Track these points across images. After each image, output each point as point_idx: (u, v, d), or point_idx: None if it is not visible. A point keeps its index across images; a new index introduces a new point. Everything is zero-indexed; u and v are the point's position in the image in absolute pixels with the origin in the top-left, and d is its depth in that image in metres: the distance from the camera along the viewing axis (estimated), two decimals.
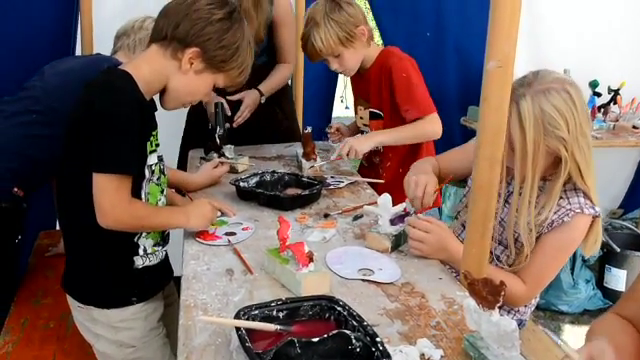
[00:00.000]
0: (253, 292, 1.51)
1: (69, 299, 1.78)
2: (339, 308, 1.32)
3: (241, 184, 2.16)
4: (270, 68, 2.85)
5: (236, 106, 2.69)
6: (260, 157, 2.69)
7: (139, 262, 1.72)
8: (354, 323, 1.26)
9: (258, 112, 2.76)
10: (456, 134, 3.69)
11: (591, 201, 1.67)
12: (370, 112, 2.62)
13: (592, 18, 3.68)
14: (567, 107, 1.60)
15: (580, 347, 1.15)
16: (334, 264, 1.65)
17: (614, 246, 3.50)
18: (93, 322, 1.75)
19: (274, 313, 1.30)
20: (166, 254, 1.85)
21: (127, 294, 1.73)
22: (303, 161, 2.47)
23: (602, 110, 3.81)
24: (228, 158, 2.47)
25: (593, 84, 3.67)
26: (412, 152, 2.57)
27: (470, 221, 1.54)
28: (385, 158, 2.63)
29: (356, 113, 2.76)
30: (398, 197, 1.84)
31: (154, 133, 1.69)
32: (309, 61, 2.62)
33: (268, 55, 2.82)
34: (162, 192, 1.77)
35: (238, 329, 1.21)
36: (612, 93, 3.77)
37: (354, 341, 1.18)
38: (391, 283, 1.57)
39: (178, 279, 1.68)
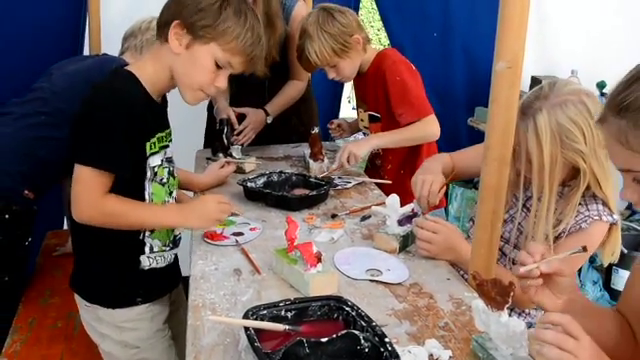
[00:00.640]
0: (261, 292, 1.51)
1: (77, 298, 1.78)
2: (347, 308, 1.32)
3: (249, 184, 2.16)
4: (275, 85, 2.79)
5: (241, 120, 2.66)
6: (267, 157, 2.69)
7: (145, 263, 1.71)
8: (363, 323, 1.26)
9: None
10: (463, 135, 3.68)
11: (609, 209, 1.66)
12: (369, 115, 2.62)
13: (599, 18, 3.66)
14: (584, 119, 1.58)
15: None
16: (342, 264, 1.65)
17: (621, 247, 3.48)
18: (99, 321, 1.75)
19: (282, 313, 1.31)
20: (175, 258, 1.84)
21: (132, 294, 1.72)
22: (310, 162, 2.47)
23: None
24: (235, 158, 2.47)
25: (601, 85, 3.65)
26: (412, 154, 2.56)
27: (479, 222, 1.53)
28: (385, 160, 2.63)
29: (358, 115, 2.76)
30: (401, 198, 1.84)
31: (161, 135, 1.67)
32: None
33: (272, 71, 2.60)
34: (170, 194, 1.75)
35: (247, 329, 1.21)
36: None
37: (363, 341, 1.19)
38: (399, 284, 1.57)
39: (186, 279, 1.69)
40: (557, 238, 1.66)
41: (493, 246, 1.52)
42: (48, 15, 2.95)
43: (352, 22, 2.41)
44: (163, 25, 1.59)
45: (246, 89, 2.71)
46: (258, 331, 1.22)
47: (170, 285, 1.87)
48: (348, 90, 3.89)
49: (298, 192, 2.18)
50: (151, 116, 1.63)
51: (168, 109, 1.76)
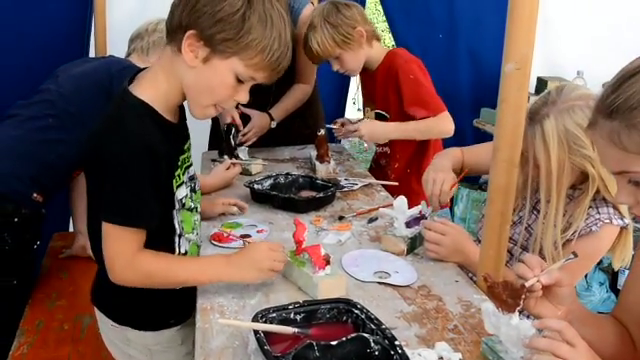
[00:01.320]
0: (269, 295, 1.50)
1: (98, 314, 1.65)
2: (357, 311, 1.31)
3: (255, 186, 2.16)
4: (281, 88, 2.74)
5: (245, 121, 2.65)
6: (273, 159, 2.69)
7: None
8: (372, 326, 1.25)
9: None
10: (469, 136, 3.67)
11: (620, 212, 1.66)
12: (376, 113, 2.62)
13: (604, 19, 3.65)
14: None
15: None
16: (350, 267, 1.65)
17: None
18: (126, 342, 1.62)
19: (292, 316, 1.31)
20: None
21: (166, 316, 1.61)
22: (317, 163, 2.47)
23: None
24: (242, 160, 2.47)
25: None
26: (419, 153, 2.56)
27: (487, 223, 1.53)
28: (392, 159, 2.64)
29: (364, 114, 2.76)
30: (407, 198, 1.83)
31: (183, 157, 1.52)
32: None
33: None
34: (196, 210, 1.61)
35: (256, 332, 1.21)
36: None
37: (373, 344, 1.18)
38: (407, 286, 1.56)
39: None
40: (568, 242, 1.65)
41: (502, 248, 1.52)
42: (54, 17, 2.96)
43: (356, 15, 2.43)
44: (175, 30, 1.37)
45: (251, 91, 2.69)
46: (267, 334, 1.21)
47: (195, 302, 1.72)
48: (353, 92, 3.89)
49: (305, 194, 2.17)
50: (172, 147, 1.46)
51: None
